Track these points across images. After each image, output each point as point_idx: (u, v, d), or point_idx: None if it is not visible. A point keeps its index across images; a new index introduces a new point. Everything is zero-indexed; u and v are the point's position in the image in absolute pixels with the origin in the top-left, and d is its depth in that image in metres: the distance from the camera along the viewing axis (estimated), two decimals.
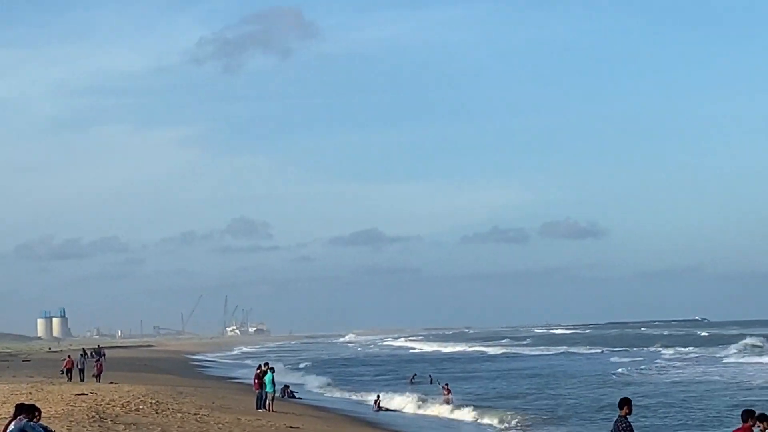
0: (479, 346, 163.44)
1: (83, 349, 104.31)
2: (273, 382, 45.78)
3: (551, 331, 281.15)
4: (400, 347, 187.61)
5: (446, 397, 58.29)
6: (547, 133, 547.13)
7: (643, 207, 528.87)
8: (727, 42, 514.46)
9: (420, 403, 56.14)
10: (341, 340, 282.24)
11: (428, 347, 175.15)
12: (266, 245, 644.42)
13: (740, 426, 20.07)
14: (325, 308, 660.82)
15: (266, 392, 44.96)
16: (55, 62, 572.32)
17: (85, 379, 62.11)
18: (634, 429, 21.18)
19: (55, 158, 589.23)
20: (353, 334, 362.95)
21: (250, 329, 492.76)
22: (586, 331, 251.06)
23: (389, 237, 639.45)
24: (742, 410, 20.79)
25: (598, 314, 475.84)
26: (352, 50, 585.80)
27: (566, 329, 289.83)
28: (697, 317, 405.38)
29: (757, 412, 20.29)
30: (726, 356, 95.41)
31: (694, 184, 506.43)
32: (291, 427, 36.49)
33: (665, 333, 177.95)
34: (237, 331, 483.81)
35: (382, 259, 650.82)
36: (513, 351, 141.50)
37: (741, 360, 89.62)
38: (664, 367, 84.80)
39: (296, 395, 58.51)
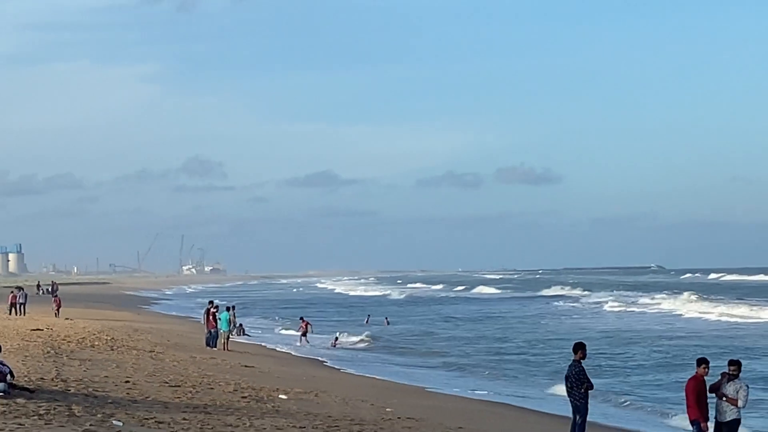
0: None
1: (38, 282, 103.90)
2: (230, 321, 46.06)
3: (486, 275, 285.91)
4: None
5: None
6: (504, 78, 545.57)
7: (598, 153, 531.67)
8: None
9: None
10: (297, 281, 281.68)
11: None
12: (221, 185, 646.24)
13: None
14: (281, 249, 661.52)
15: (222, 330, 45.24)
16: None
17: (25, 314, 62.53)
18: (587, 372, 21.81)
19: (10, 94, 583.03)
20: (313, 277, 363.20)
21: (206, 268, 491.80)
22: (515, 277, 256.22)
23: (344, 179, 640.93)
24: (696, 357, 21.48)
25: (554, 260, 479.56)
26: None
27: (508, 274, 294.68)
28: (652, 265, 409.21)
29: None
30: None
31: (650, 131, 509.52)
32: (245, 366, 36.74)
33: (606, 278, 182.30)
34: (193, 270, 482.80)
35: (337, 201, 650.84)
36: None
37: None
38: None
39: (249, 335, 58.76)
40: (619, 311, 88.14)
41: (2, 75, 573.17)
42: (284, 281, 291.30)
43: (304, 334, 56.12)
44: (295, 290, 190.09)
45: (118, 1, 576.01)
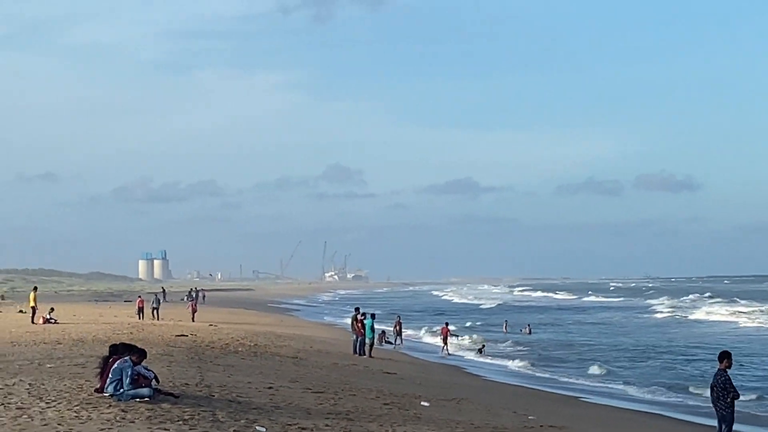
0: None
1: (191, 288, 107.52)
2: (372, 329, 46.16)
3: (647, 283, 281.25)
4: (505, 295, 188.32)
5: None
6: (644, 85, 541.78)
7: (740, 159, 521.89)
8: None
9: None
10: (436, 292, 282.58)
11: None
12: (361, 192, 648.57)
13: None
14: (422, 256, 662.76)
15: (368, 338, 45.40)
16: (155, 6, 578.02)
17: (158, 318, 65.58)
18: (732, 382, 21.31)
19: (155, 101, 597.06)
20: (454, 284, 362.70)
21: (348, 275, 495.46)
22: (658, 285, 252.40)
23: (484, 186, 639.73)
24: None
25: (697, 268, 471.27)
26: (443, 1, 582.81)
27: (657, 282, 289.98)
28: None
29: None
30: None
31: None
32: (387, 373, 36.69)
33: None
34: (335, 276, 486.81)
35: (477, 208, 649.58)
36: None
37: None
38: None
39: (392, 342, 58.83)
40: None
41: (147, 83, 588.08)
42: (425, 288, 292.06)
43: (445, 341, 56.05)
44: (435, 297, 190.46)
45: (255, 10, 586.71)
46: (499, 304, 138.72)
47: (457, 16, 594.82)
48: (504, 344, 61.74)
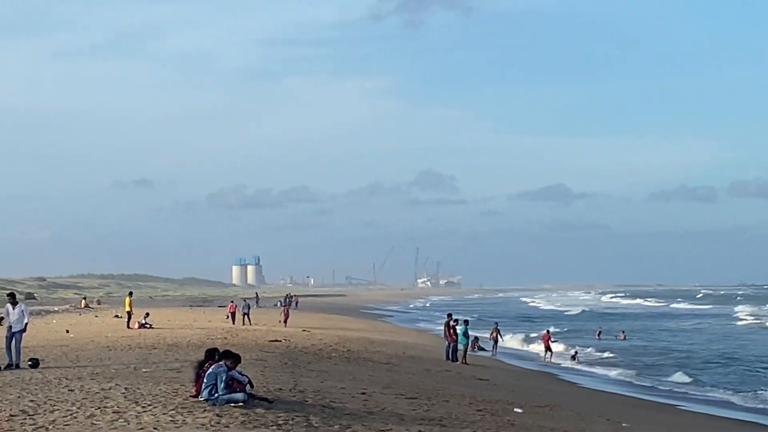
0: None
1: (287, 294, 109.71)
2: (465, 335, 46.02)
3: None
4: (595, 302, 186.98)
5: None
6: (739, 90, 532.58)
7: None
8: None
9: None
10: (524, 299, 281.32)
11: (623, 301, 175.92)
12: (453, 198, 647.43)
13: None
14: (515, 262, 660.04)
15: (461, 344, 45.30)
16: (248, 14, 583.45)
17: (250, 323, 66.17)
18: None
19: (247, 109, 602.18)
20: (546, 291, 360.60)
21: (441, 281, 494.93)
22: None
23: (576, 192, 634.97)
24: None
25: None
26: (534, 6, 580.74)
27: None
28: None
29: None
30: None
31: None
32: (479, 379, 36.56)
33: None
34: (428, 283, 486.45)
35: (569, 215, 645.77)
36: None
37: None
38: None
39: (484, 348, 58.61)
40: None
41: (241, 90, 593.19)
42: (515, 294, 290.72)
43: (547, 348, 55.87)
44: (523, 303, 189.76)
45: (348, 17, 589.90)
46: (583, 311, 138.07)
47: (549, 22, 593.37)
48: (597, 351, 61.18)
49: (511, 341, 67.35)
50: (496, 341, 57.45)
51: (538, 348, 60.57)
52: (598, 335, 75.97)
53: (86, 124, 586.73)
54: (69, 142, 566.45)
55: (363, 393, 25.56)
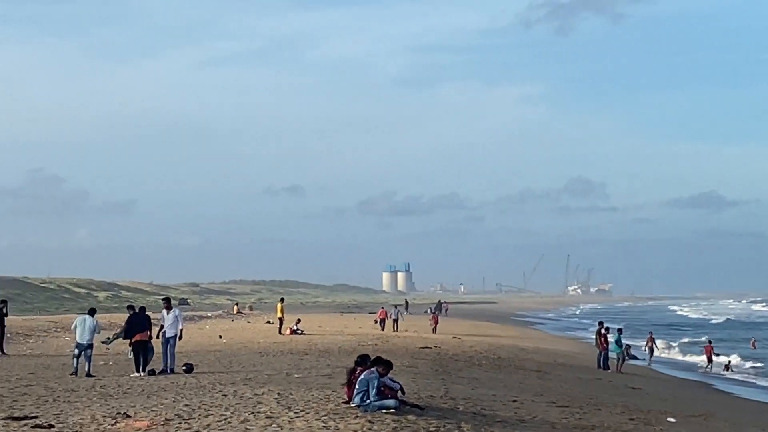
0: None
1: (438, 301, 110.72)
2: (618, 343, 45.59)
3: None
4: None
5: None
6: None
7: None
8: None
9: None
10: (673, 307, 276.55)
11: None
12: (603, 206, 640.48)
13: None
14: (666, 271, 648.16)
15: (614, 352, 44.91)
16: (398, 22, 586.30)
17: (398, 329, 66.70)
18: None
19: (399, 116, 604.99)
20: (698, 299, 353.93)
21: (591, 289, 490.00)
22: None
23: (729, 200, 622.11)
24: None
25: None
26: (685, 11, 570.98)
27: None
28: None
29: None
30: None
31: None
32: (632, 388, 36.13)
33: None
34: (579, 290, 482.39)
35: (722, 223, 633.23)
36: None
37: None
38: None
39: (636, 357, 57.85)
40: None
41: (391, 98, 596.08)
42: (665, 302, 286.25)
43: (709, 359, 55.06)
44: (671, 312, 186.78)
45: (497, 24, 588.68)
46: (728, 319, 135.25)
47: (699, 28, 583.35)
48: (750, 361, 59.87)
49: (667, 351, 66.39)
50: (651, 350, 56.73)
51: (696, 358, 59.58)
52: (753, 344, 74.31)
53: (240, 131, 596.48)
54: (222, 149, 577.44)
55: (514, 401, 25.45)
